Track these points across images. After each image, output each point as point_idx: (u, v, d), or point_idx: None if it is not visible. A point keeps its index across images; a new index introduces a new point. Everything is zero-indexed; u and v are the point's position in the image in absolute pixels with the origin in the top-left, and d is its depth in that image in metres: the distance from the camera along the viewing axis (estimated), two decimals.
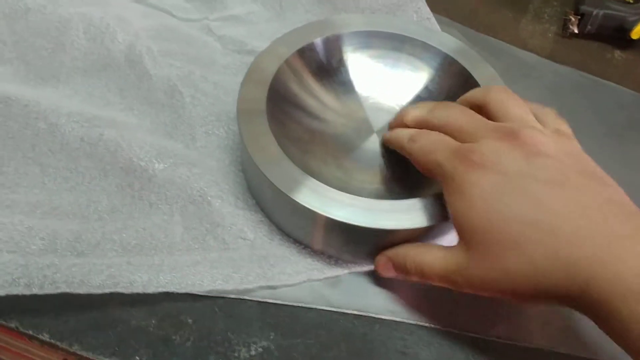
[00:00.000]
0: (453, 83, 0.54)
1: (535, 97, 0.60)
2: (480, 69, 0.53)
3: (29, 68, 0.56)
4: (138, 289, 0.44)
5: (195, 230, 0.48)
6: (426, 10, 0.64)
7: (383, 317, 0.46)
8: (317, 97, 0.55)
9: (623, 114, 0.62)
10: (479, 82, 0.52)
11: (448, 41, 0.56)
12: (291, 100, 0.53)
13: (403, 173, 0.51)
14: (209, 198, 0.48)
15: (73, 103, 0.53)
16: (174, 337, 0.43)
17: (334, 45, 0.55)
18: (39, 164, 0.50)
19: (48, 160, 0.50)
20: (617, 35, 0.67)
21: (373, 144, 0.53)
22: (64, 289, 0.43)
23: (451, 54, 0.54)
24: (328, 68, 0.56)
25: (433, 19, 0.64)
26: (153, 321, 0.44)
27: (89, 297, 0.43)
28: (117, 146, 0.49)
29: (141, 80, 0.55)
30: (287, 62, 0.52)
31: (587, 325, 0.46)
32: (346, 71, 0.56)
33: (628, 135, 0.60)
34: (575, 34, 0.67)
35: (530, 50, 0.66)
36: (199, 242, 0.47)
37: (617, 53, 0.68)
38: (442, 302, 0.47)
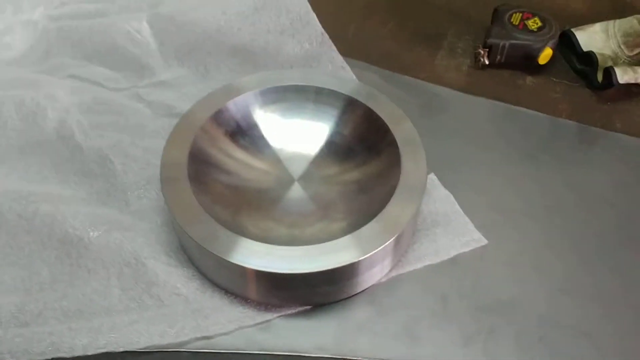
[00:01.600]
0: (361, 124, 0.58)
1: (451, 129, 0.65)
2: (387, 110, 0.57)
3: None
4: (79, 352, 0.47)
5: (131, 290, 0.51)
6: (339, 59, 0.68)
7: (312, 354, 0.49)
8: (234, 157, 0.59)
9: (535, 137, 0.65)
10: (386, 122, 0.56)
11: (353, 86, 0.60)
12: (210, 162, 0.56)
13: (326, 215, 0.55)
14: (143, 259, 0.52)
15: (10, 181, 0.57)
16: None
17: (244, 106, 0.59)
18: None
19: None
20: (526, 63, 0.71)
21: (296, 192, 0.57)
22: (8, 359, 0.46)
23: (355, 97, 0.58)
24: (244, 127, 0.60)
25: (347, 67, 0.68)
26: None
27: None
28: (53, 219, 0.53)
29: (74, 153, 0.59)
30: (202, 128, 0.56)
31: None
32: (258, 128, 0.60)
33: (541, 157, 0.64)
34: (487, 64, 0.71)
35: (446, 85, 0.70)
36: (136, 302, 0.50)
37: (529, 79, 0.72)
38: (368, 333, 0.50)
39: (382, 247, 0.48)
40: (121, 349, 0.47)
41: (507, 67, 0.72)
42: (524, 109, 0.68)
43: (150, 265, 0.52)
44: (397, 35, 0.76)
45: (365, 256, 0.47)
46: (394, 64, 0.72)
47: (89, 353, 0.47)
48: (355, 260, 0.47)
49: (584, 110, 0.69)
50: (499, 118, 0.67)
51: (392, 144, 0.55)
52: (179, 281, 0.52)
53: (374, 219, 0.49)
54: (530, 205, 0.60)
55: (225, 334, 0.49)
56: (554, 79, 0.71)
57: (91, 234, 0.52)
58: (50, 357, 0.46)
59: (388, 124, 0.56)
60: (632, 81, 0.67)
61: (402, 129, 0.56)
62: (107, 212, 0.55)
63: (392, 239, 0.48)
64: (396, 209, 0.50)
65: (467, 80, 0.71)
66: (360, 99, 0.58)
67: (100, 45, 0.69)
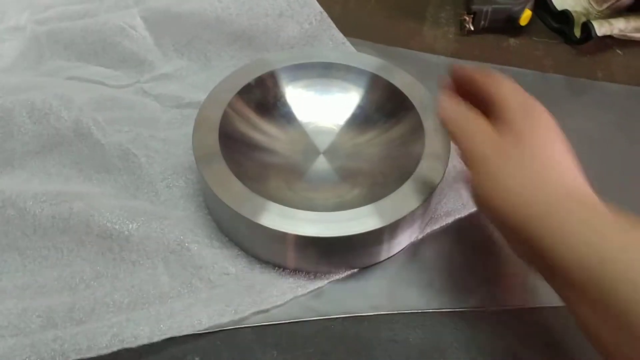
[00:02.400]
0: (380, 95, 0.60)
1: None
2: (403, 81, 0.60)
3: None
4: (143, 341, 0.46)
5: (180, 276, 0.51)
6: (340, 35, 0.70)
7: (368, 313, 0.50)
8: (263, 131, 0.59)
9: (529, 92, 0.68)
10: (403, 90, 0.58)
11: (368, 60, 0.62)
12: (241, 139, 0.57)
13: (354, 185, 0.57)
14: (187, 244, 0.52)
15: (34, 185, 0.55)
16: None
17: (268, 83, 0.60)
18: (15, 248, 0.52)
19: (24, 243, 0.52)
20: (507, 26, 0.75)
21: (321, 164, 0.59)
22: (74, 357, 0.45)
23: (374, 71, 0.61)
24: (267, 104, 0.60)
25: (348, 43, 0.70)
26: None
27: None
28: (89, 216, 0.52)
29: (94, 150, 0.58)
30: (230, 105, 0.56)
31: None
32: (284, 104, 0.61)
33: None
34: (472, 30, 0.75)
35: (437, 53, 0.73)
36: (187, 287, 0.50)
37: (512, 40, 0.76)
38: (417, 287, 0.52)
39: (421, 203, 0.50)
40: (184, 333, 0.47)
41: (490, 32, 0.76)
42: (514, 68, 0.72)
43: (195, 250, 0.52)
44: (381, 10, 0.79)
45: (407, 213, 0.49)
46: (384, 37, 0.74)
47: (155, 340, 0.47)
48: (399, 218, 0.49)
49: (567, 64, 0.73)
50: None
51: (412, 110, 0.57)
52: (226, 261, 0.52)
53: (409, 180, 0.51)
54: None
55: (280, 305, 0.50)
56: (535, 39, 0.76)
57: (130, 225, 0.52)
58: (115, 349, 0.46)
59: (405, 92, 0.58)
60: (609, 33, 0.72)
61: (418, 95, 0.58)
62: (140, 204, 0.55)
63: (424, 199, 0.50)
64: (427, 169, 0.52)
65: (455, 47, 0.74)
66: (380, 73, 0.60)
67: (96, 45, 0.68)
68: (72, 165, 0.58)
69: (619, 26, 0.72)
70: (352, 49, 0.70)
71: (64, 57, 0.68)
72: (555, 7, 0.76)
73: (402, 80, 0.59)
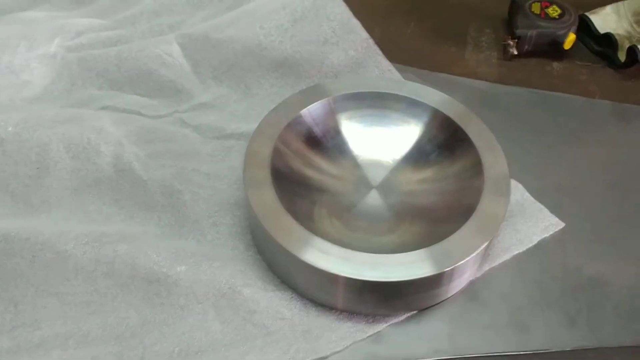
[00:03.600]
0: (439, 130, 0.58)
1: (497, 119, 0.65)
2: (458, 113, 0.57)
3: (15, 198, 0.55)
4: None
5: (233, 322, 0.48)
6: (386, 63, 0.68)
7: (431, 358, 0.48)
8: (315, 166, 0.57)
9: (576, 119, 0.67)
10: (461, 125, 0.56)
11: (423, 92, 0.60)
12: (292, 174, 0.55)
13: (409, 222, 0.54)
14: (238, 287, 0.49)
15: (73, 225, 0.53)
16: None
17: (321, 113, 0.58)
18: (55, 294, 0.49)
19: (64, 288, 0.49)
20: (551, 49, 0.73)
21: (374, 200, 0.56)
22: None
23: (434, 105, 0.58)
24: (318, 135, 0.58)
25: (394, 70, 0.68)
26: None
27: None
28: (134, 258, 0.49)
29: (135, 187, 0.55)
30: (280, 137, 0.54)
31: None
32: (336, 135, 0.59)
33: (586, 137, 0.66)
34: (515, 55, 0.73)
35: (481, 78, 0.71)
36: (240, 333, 0.48)
37: (555, 65, 0.74)
38: (478, 328, 0.50)
39: (483, 246, 0.48)
40: None
41: (533, 56, 0.74)
42: (560, 94, 0.70)
43: (247, 293, 0.49)
44: (421, 35, 0.77)
45: (467, 259, 0.47)
46: (426, 62, 0.72)
47: None
48: (459, 263, 0.47)
49: (612, 89, 0.71)
50: (538, 104, 0.68)
51: (470, 146, 0.55)
52: (280, 304, 0.49)
53: (470, 219, 0.49)
54: (592, 184, 0.61)
55: (340, 351, 0.48)
56: (578, 62, 0.74)
57: (178, 268, 0.49)
58: None
59: (462, 126, 0.56)
60: None
61: (475, 129, 0.56)
62: (186, 244, 0.52)
63: (488, 240, 0.48)
64: (489, 207, 0.50)
65: (499, 72, 0.72)
66: (440, 107, 0.58)
67: (130, 73, 0.65)
68: (112, 202, 0.55)
69: None
70: (399, 76, 0.68)
71: (96, 86, 0.65)
72: (597, 30, 0.74)
73: (457, 111, 0.57)
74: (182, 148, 0.60)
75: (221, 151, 0.60)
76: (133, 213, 0.55)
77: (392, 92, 0.59)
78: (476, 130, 0.56)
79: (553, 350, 0.49)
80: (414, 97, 0.59)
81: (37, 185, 0.55)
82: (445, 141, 0.57)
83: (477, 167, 0.53)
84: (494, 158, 0.53)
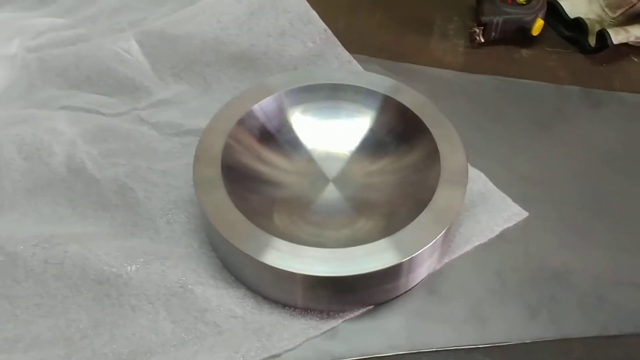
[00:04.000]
0: (393, 118, 0.57)
1: (462, 109, 0.64)
2: (413, 100, 0.56)
3: None
4: None
5: (184, 321, 0.47)
6: (346, 54, 0.67)
7: (387, 353, 0.47)
8: (267, 162, 0.56)
9: (544, 106, 0.66)
10: (416, 113, 0.55)
11: (379, 80, 0.59)
12: (244, 172, 0.54)
13: (366, 214, 0.53)
14: (190, 286, 0.48)
15: (25, 227, 0.52)
16: None
17: (272, 108, 0.57)
18: (5, 297, 0.49)
19: (15, 291, 0.49)
20: (519, 36, 0.72)
21: (331, 193, 0.55)
22: None
23: (386, 92, 0.57)
24: (271, 130, 0.57)
25: (354, 61, 0.67)
26: None
27: None
28: (84, 259, 0.49)
29: (89, 186, 0.55)
30: (230, 135, 0.53)
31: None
32: (290, 129, 0.58)
33: (554, 124, 0.65)
34: (482, 43, 0.71)
35: (447, 67, 0.70)
36: (191, 332, 0.47)
37: (524, 51, 0.72)
38: (437, 322, 0.49)
39: (438, 236, 0.47)
40: None
41: (501, 43, 0.72)
42: (528, 81, 0.69)
43: (198, 292, 0.48)
44: (387, 25, 0.75)
45: (423, 249, 0.46)
46: (391, 53, 0.71)
47: None
48: (415, 254, 0.46)
49: (582, 74, 0.70)
50: (505, 92, 0.67)
51: (426, 134, 0.54)
52: (232, 303, 0.49)
53: (426, 209, 0.48)
54: (557, 172, 0.60)
55: (292, 349, 0.47)
56: (548, 49, 0.72)
57: (129, 268, 0.49)
58: None
59: (418, 114, 0.55)
60: (625, 40, 0.69)
61: (432, 117, 0.55)
62: (139, 243, 0.52)
63: (445, 229, 0.47)
64: (445, 197, 0.49)
65: (466, 60, 0.71)
66: (390, 93, 0.57)
67: (89, 71, 0.64)
68: (66, 203, 0.54)
69: (635, 33, 0.69)
70: (359, 67, 0.67)
71: (56, 86, 0.64)
72: (567, 15, 0.73)
73: (414, 100, 0.56)
74: (138, 146, 0.59)
75: (179, 148, 0.60)
76: (86, 213, 0.54)
77: (345, 82, 0.58)
78: (433, 118, 0.55)
79: (512, 343, 0.48)
80: (367, 87, 0.58)
81: None
82: (401, 130, 0.56)
83: (433, 157, 0.52)
84: (451, 147, 0.52)
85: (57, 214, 0.54)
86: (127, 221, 0.53)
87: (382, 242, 0.46)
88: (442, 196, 0.49)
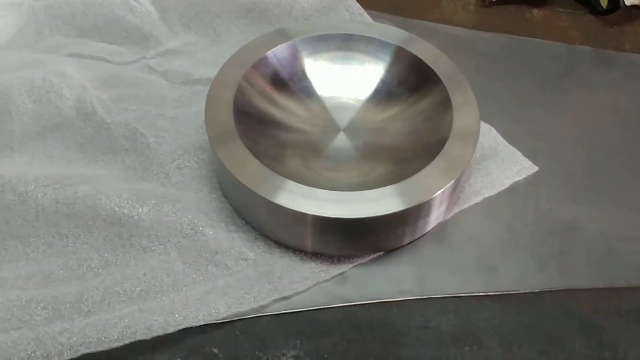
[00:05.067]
0: (404, 68, 0.57)
1: (475, 66, 0.64)
2: (425, 51, 0.56)
3: None
4: (157, 332, 0.43)
5: (195, 262, 0.48)
6: (357, 6, 0.66)
7: (397, 299, 0.47)
8: (280, 106, 0.56)
9: (555, 65, 0.66)
10: (428, 63, 0.55)
11: (391, 31, 0.58)
12: (256, 115, 0.53)
13: (377, 163, 0.53)
14: (201, 228, 0.48)
15: (36, 168, 0.52)
16: None
17: (286, 55, 0.56)
18: (17, 236, 0.48)
19: (26, 230, 0.49)
20: None
21: (342, 142, 0.55)
22: (83, 351, 0.42)
23: (397, 43, 0.57)
24: (284, 77, 0.57)
25: (365, 14, 0.66)
26: (178, 359, 0.43)
27: (109, 353, 0.42)
28: (96, 200, 0.48)
29: (99, 130, 0.54)
30: (244, 77, 0.53)
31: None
32: (303, 77, 0.58)
33: (566, 83, 0.64)
34: (493, 2, 0.71)
35: (458, 25, 0.70)
36: (202, 274, 0.47)
37: (535, 11, 0.72)
38: (447, 270, 0.49)
39: (448, 185, 0.47)
40: (202, 322, 0.44)
41: (512, 2, 0.72)
42: (539, 40, 0.68)
43: (210, 234, 0.48)
44: None
45: (433, 196, 0.46)
46: (402, 9, 0.70)
47: (170, 331, 0.43)
48: (423, 201, 0.46)
49: (593, 35, 0.70)
50: (517, 51, 0.67)
51: (438, 83, 0.54)
52: (243, 245, 0.49)
53: (436, 158, 0.48)
54: (567, 128, 0.60)
55: (303, 292, 0.47)
56: (559, 9, 0.72)
57: (140, 209, 0.49)
58: (127, 341, 0.43)
59: (430, 64, 0.55)
60: (637, 2, 0.69)
61: (444, 67, 0.55)
62: (149, 187, 0.51)
63: (454, 179, 0.47)
64: (456, 147, 0.49)
65: (477, 19, 0.71)
66: (403, 45, 0.57)
67: (97, 20, 0.64)
68: (75, 146, 0.54)
69: None
70: (371, 20, 0.66)
71: (63, 33, 0.64)
72: None
73: (427, 52, 0.56)
74: (148, 93, 0.59)
75: (188, 96, 0.59)
76: (96, 157, 0.54)
77: (357, 33, 0.58)
78: (445, 69, 0.54)
79: (521, 292, 0.48)
80: (380, 38, 0.57)
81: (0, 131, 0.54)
82: (413, 81, 0.56)
83: (445, 105, 0.52)
84: (463, 98, 0.52)
85: (66, 157, 0.54)
86: (137, 165, 0.53)
87: (392, 188, 0.46)
88: (453, 146, 0.49)
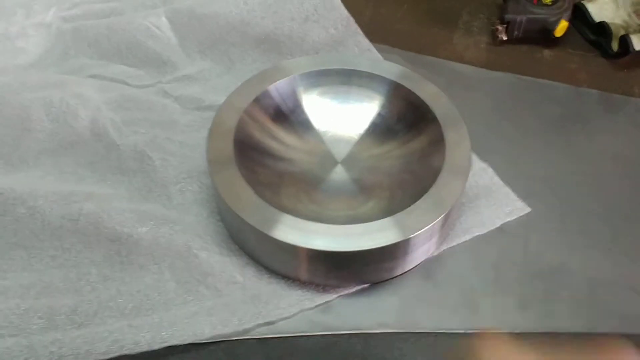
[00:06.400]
0: (402, 105, 0.59)
1: (478, 105, 0.65)
2: (426, 90, 0.57)
3: None
4: (143, 347, 0.46)
5: (187, 283, 0.50)
6: (365, 42, 0.69)
7: (376, 331, 0.49)
8: (279, 139, 0.58)
9: (559, 107, 0.67)
10: (425, 101, 0.56)
11: (391, 68, 0.60)
12: (256, 147, 0.56)
13: (370, 197, 0.55)
14: (195, 251, 0.51)
15: (47, 184, 0.55)
16: None
17: (287, 89, 0.59)
18: (23, 247, 0.52)
19: (32, 242, 0.52)
20: (542, 37, 0.72)
21: (338, 175, 0.57)
22: None
23: (396, 80, 0.59)
24: (285, 111, 0.59)
25: (374, 49, 0.68)
26: None
27: None
28: (98, 217, 0.51)
29: (109, 151, 0.58)
30: (246, 111, 0.55)
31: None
32: (302, 111, 0.60)
33: (568, 126, 0.65)
34: (505, 40, 0.72)
35: (467, 63, 0.71)
36: (193, 294, 0.50)
37: (546, 52, 0.73)
38: (429, 306, 0.50)
39: (437, 220, 0.48)
40: (187, 342, 0.46)
41: (524, 42, 0.73)
42: (546, 81, 0.69)
43: (203, 256, 0.51)
44: (413, 17, 0.77)
45: (420, 231, 0.47)
46: (414, 45, 0.72)
47: (154, 347, 0.46)
48: (413, 235, 0.47)
49: (602, 78, 0.70)
50: (522, 91, 0.68)
51: (434, 121, 0.55)
52: (234, 270, 0.51)
53: (427, 194, 0.49)
54: (566, 172, 0.60)
55: (287, 318, 0.49)
56: (570, 51, 0.73)
57: (140, 229, 0.51)
58: (114, 355, 0.45)
59: (427, 102, 0.56)
60: None
61: (441, 106, 0.56)
62: (151, 208, 0.54)
63: (443, 214, 0.48)
64: (446, 183, 0.50)
65: (487, 57, 0.72)
66: (403, 82, 0.58)
67: (120, 44, 0.67)
68: (87, 165, 0.58)
69: None
70: (378, 55, 0.68)
71: (87, 55, 0.68)
72: (593, 18, 0.73)
73: (426, 90, 0.57)
74: (160, 117, 0.62)
75: (198, 122, 0.62)
76: (105, 176, 0.57)
77: (358, 69, 0.60)
78: (442, 107, 0.56)
79: (501, 331, 0.49)
80: (379, 74, 0.59)
81: (17, 145, 0.58)
82: (409, 117, 0.58)
83: (439, 144, 0.53)
84: (457, 135, 0.54)
85: (77, 175, 0.57)
86: (142, 186, 0.56)
87: (382, 222, 0.48)
88: (444, 182, 0.50)
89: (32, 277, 0.50)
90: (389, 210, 0.50)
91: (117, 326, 0.47)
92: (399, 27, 0.75)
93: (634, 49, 0.68)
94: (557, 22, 0.70)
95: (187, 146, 0.59)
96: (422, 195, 0.49)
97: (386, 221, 0.48)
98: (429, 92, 0.57)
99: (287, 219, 0.48)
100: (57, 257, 0.51)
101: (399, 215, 0.48)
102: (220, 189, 0.50)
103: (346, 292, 0.51)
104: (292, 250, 0.47)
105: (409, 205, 0.49)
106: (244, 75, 0.65)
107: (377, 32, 0.71)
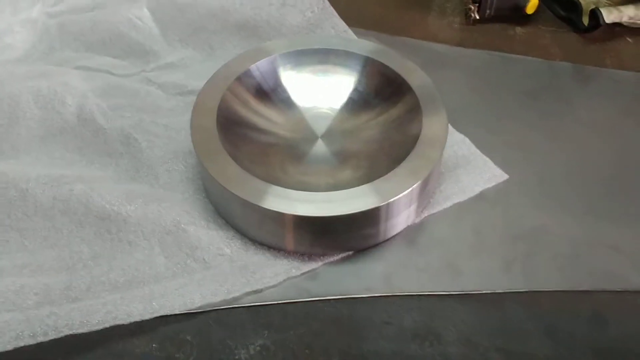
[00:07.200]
0: (378, 79, 0.61)
1: (454, 81, 0.67)
2: (400, 64, 0.59)
3: None
4: (135, 318, 0.47)
5: (176, 257, 0.52)
6: (342, 24, 0.71)
7: (362, 295, 0.50)
8: (261, 114, 0.60)
9: (534, 80, 0.69)
10: (401, 74, 0.58)
11: (366, 45, 0.62)
12: (240, 122, 0.58)
13: (351, 167, 0.57)
14: (183, 226, 0.52)
15: (37, 168, 0.57)
16: (177, 356, 0.47)
17: (268, 69, 0.61)
18: (17, 229, 0.53)
19: (25, 224, 0.53)
20: (514, 14, 0.75)
21: (319, 147, 0.59)
22: (66, 332, 0.46)
23: (371, 55, 0.61)
24: (266, 89, 0.61)
25: (350, 31, 0.71)
26: (154, 345, 0.47)
27: (91, 337, 0.46)
28: (88, 197, 0.53)
29: (96, 135, 0.59)
30: (229, 89, 0.57)
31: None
32: (283, 89, 0.62)
33: (544, 97, 0.67)
34: (478, 20, 0.74)
35: (442, 42, 0.73)
36: (182, 267, 0.51)
37: (518, 29, 0.75)
38: (413, 270, 0.52)
39: (414, 186, 0.50)
40: (177, 311, 0.48)
41: (496, 21, 0.75)
42: (520, 56, 0.71)
43: (191, 231, 0.52)
44: (388, 1, 0.79)
45: (399, 196, 0.49)
46: (389, 27, 0.74)
47: (146, 317, 0.47)
48: (392, 199, 0.49)
49: (574, 52, 0.72)
50: (497, 67, 0.70)
51: (409, 92, 0.57)
52: (221, 242, 0.52)
53: (404, 161, 0.51)
54: (542, 140, 0.62)
55: (274, 286, 0.50)
56: (542, 27, 0.75)
57: (128, 207, 0.53)
58: (107, 325, 0.46)
59: (403, 75, 0.58)
60: (617, 20, 0.71)
61: (416, 78, 0.58)
62: (139, 187, 0.56)
63: (421, 180, 0.50)
64: (423, 151, 0.52)
65: (461, 36, 0.74)
66: (375, 57, 0.60)
67: (104, 36, 0.69)
68: (75, 149, 0.59)
69: (628, 13, 0.71)
70: (354, 36, 0.70)
71: (73, 48, 0.70)
72: None
73: (401, 64, 0.59)
74: (144, 103, 0.64)
75: (181, 106, 0.64)
76: (93, 159, 0.59)
77: (335, 48, 0.62)
78: (417, 80, 0.58)
79: (484, 292, 0.51)
80: (356, 51, 0.61)
81: (8, 133, 0.60)
82: (384, 89, 0.60)
83: (415, 113, 0.55)
84: (433, 104, 0.56)
85: (66, 159, 0.59)
86: (130, 167, 0.58)
87: (363, 188, 0.49)
88: (422, 149, 0.52)
89: (25, 257, 0.52)
90: (370, 177, 0.52)
91: (109, 299, 0.48)
92: (374, 11, 0.77)
93: (604, 22, 0.70)
94: None
95: (172, 129, 0.61)
96: (401, 163, 0.51)
97: (366, 187, 0.49)
98: (404, 66, 0.59)
99: (273, 189, 0.49)
100: (50, 237, 0.53)
101: (378, 182, 0.50)
102: (205, 163, 0.51)
103: (331, 259, 0.52)
104: (278, 217, 0.49)
105: (387, 173, 0.51)
106: (224, 60, 0.66)
107: (353, 15, 0.73)
